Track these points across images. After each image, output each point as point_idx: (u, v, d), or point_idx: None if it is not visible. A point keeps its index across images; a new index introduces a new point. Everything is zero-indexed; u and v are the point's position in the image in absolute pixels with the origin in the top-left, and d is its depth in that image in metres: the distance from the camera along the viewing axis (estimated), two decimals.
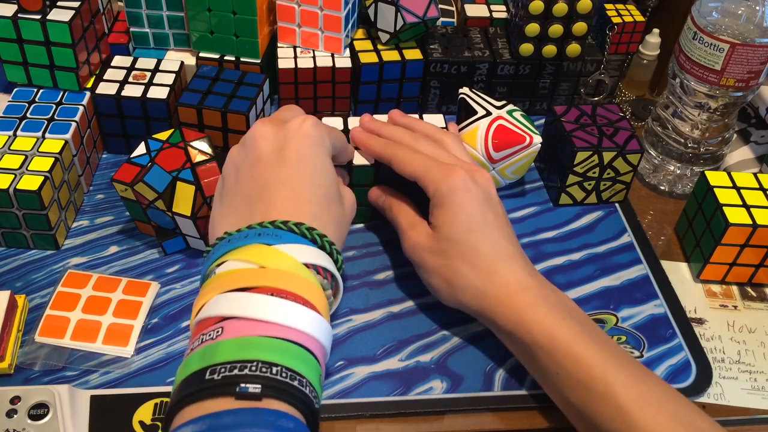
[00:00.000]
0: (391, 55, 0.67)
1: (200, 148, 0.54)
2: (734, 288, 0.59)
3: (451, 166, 0.50)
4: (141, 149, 0.54)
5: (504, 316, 0.47)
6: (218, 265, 0.41)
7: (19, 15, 0.56)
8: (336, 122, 0.59)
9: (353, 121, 0.58)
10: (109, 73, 0.63)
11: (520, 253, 0.49)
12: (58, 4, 0.58)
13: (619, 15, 0.75)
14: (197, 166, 0.53)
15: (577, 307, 0.48)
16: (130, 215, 0.56)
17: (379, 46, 0.69)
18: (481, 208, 0.49)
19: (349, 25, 0.67)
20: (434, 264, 0.50)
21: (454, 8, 0.77)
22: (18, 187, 0.52)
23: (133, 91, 0.62)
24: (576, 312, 0.47)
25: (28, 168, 0.53)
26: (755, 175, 0.59)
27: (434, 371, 0.50)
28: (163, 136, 0.55)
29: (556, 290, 0.48)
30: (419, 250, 0.51)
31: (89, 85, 0.62)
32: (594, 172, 0.61)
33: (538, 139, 0.59)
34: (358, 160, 0.56)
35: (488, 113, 0.60)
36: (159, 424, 0.43)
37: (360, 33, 0.71)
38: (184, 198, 0.52)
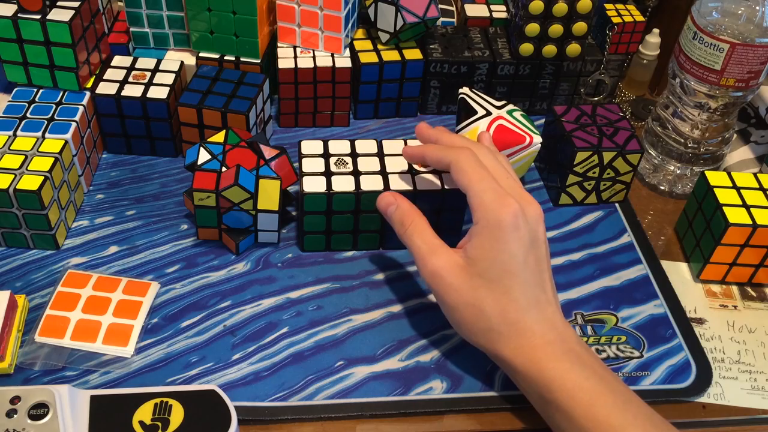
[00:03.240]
0: (391, 55, 0.67)
1: (264, 144, 0.57)
2: (734, 288, 0.59)
3: (506, 196, 0.46)
4: (205, 155, 0.55)
5: (523, 367, 0.45)
6: None
7: (19, 15, 0.56)
8: (370, 145, 0.57)
9: (388, 145, 0.57)
10: (109, 73, 0.63)
11: (551, 300, 0.47)
12: (58, 4, 0.58)
13: (619, 15, 0.75)
14: (270, 161, 0.55)
15: (600, 360, 0.46)
16: (197, 223, 0.56)
17: (379, 46, 0.69)
18: (524, 250, 0.46)
19: (349, 25, 0.67)
20: (458, 300, 0.47)
21: (454, 8, 0.77)
22: (18, 187, 0.52)
23: (133, 91, 0.62)
24: (599, 367, 0.44)
25: (28, 168, 0.54)
26: (755, 175, 0.59)
27: (434, 371, 0.50)
28: (219, 138, 0.56)
29: (581, 342, 0.46)
30: (442, 281, 0.47)
31: (89, 85, 0.62)
32: (594, 172, 0.61)
33: (538, 139, 0.59)
34: (371, 185, 0.54)
35: (488, 113, 0.60)
36: (159, 424, 0.43)
37: (360, 33, 0.71)
38: (269, 194, 0.53)
